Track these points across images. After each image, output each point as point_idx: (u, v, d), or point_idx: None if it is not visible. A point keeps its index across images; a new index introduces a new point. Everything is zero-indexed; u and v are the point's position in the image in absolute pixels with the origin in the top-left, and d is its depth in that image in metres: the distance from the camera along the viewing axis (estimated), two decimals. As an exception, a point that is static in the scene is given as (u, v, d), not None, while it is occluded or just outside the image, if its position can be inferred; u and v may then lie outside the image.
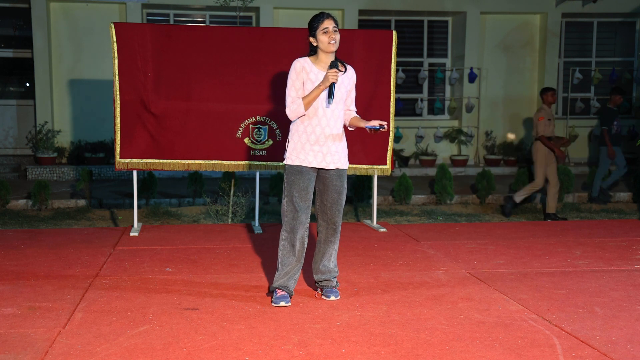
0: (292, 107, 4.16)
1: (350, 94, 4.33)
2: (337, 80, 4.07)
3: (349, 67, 4.32)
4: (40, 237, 6.31)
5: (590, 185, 9.64)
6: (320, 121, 4.18)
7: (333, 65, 4.10)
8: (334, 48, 4.15)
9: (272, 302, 4.21)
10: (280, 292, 4.22)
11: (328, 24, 4.11)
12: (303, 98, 4.13)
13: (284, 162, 4.28)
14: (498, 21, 13.23)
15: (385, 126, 4.11)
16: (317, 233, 4.39)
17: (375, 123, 4.12)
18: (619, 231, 6.73)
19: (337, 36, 4.15)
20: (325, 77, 4.07)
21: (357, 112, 4.44)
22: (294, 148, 4.22)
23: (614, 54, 13.83)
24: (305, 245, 4.28)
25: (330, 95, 4.07)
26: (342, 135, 4.29)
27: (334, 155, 4.22)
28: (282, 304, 4.16)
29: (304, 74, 4.17)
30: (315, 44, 4.18)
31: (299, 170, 4.20)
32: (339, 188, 4.26)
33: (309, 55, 4.25)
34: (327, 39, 4.11)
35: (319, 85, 4.10)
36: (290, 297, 4.26)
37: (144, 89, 6.41)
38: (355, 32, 7.14)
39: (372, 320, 3.91)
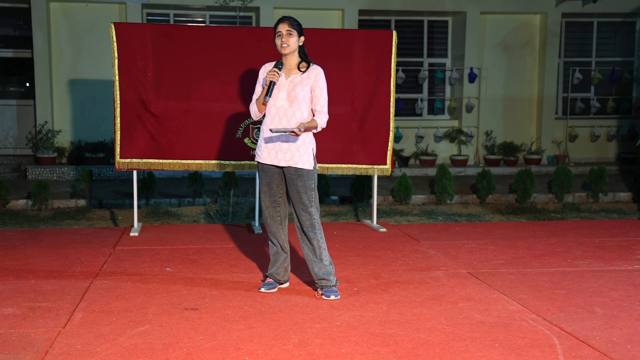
0: (250, 108, 4.48)
1: (313, 93, 4.33)
2: (275, 79, 4.24)
3: (312, 67, 4.35)
4: (40, 237, 6.31)
5: (589, 186, 9.63)
6: (274, 120, 4.32)
7: (275, 65, 4.30)
8: (286, 51, 4.31)
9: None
10: (267, 280, 4.53)
11: (281, 28, 4.28)
12: (256, 99, 4.40)
13: None
14: (498, 21, 13.23)
15: (295, 131, 4.09)
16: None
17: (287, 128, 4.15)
18: (619, 231, 6.73)
19: (291, 39, 4.28)
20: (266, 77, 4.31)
21: (321, 114, 4.35)
22: (257, 145, 4.45)
23: (614, 54, 13.82)
24: (284, 238, 4.49)
25: (267, 93, 4.26)
26: (299, 135, 4.21)
27: (285, 153, 4.29)
28: (263, 290, 4.44)
29: (264, 78, 4.43)
30: None
31: (260, 166, 4.43)
32: (299, 188, 4.31)
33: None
34: (279, 43, 4.30)
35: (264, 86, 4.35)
36: (279, 285, 4.53)
37: (143, 89, 6.41)
38: (355, 32, 7.14)
39: (372, 320, 3.91)
